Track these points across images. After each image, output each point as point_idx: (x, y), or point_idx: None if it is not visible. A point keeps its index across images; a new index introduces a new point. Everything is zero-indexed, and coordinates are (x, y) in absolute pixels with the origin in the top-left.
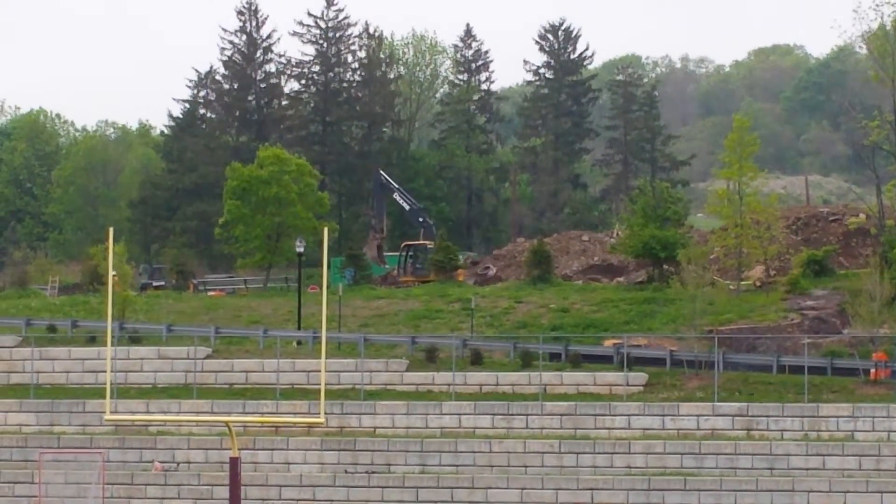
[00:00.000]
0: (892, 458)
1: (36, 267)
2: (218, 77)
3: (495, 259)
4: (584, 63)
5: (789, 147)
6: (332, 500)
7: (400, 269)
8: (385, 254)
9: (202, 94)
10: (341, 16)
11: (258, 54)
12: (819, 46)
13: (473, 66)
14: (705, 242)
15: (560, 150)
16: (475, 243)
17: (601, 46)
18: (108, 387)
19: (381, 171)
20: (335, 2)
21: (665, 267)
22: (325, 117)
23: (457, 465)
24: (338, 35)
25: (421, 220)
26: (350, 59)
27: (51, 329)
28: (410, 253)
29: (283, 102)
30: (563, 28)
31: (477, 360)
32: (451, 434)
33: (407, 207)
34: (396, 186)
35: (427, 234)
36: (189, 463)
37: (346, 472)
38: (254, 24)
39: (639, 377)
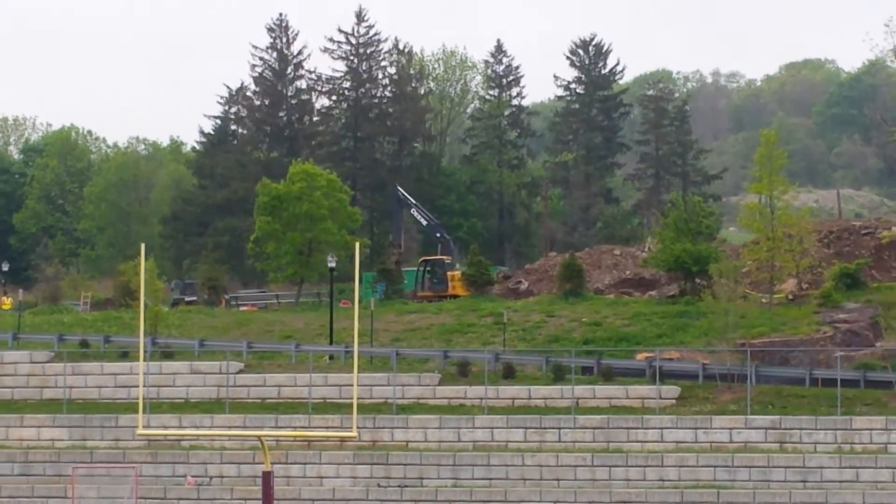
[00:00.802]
0: None
1: (68, 283)
2: (249, 93)
3: (527, 273)
4: (615, 78)
5: (821, 161)
6: None
7: (418, 285)
8: (403, 269)
9: (233, 110)
10: (371, 32)
11: (289, 70)
12: (850, 60)
13: (504, 81)
14: (737, 256)
15: (591, 164)
16: (507, 258)
17: (632, 61)
18: (140, 401)
19: (399, 187)
20: (366, 18)
21: (697, 280)
22: (356, 133)
23: (489, 479)
24: (368, 51)
25: (438, 235)
26: (380, 75)
27: (83, 344)
28: (427, 268)
29: (314, 118)
30: (593, 43)
31: (509, 374)
32: (483, 448)
33: (424, 223)
34: (414, 202)
35: (445, 250)
36: (222, 477)
37: (378, 486)
38: (284, 40)
39: (671, 390)
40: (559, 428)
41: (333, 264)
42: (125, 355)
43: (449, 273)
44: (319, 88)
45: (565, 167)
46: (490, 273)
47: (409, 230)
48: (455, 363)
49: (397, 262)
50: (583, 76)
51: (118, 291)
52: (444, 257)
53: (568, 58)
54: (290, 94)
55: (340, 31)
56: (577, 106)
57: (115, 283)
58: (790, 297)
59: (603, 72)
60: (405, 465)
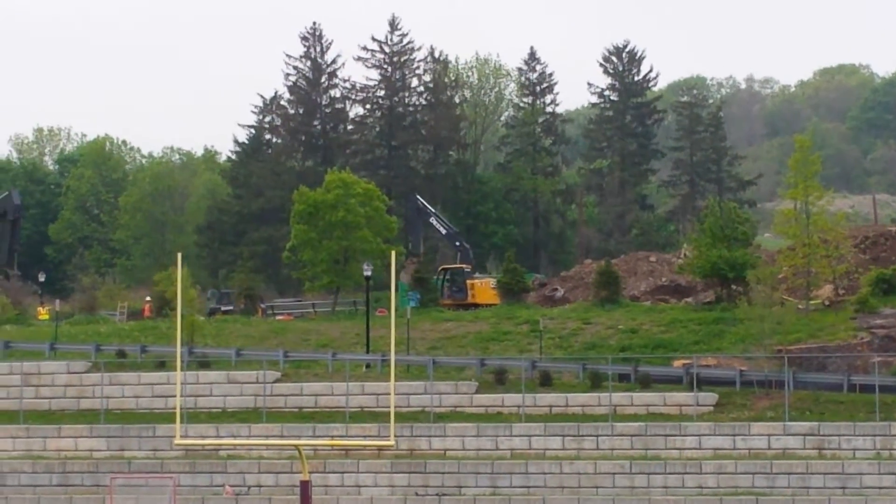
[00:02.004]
0: None
1: (104, 293)
2: (283, 102)
3: (563, 281)
4: (649, 85)
5: (856, 166)
6: None
7: (438, 293)
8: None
9: (268, 119)
10: (405, 40)
11: (323, 79)
12: (885, 65)
13: (538, 88)
14: (773, 262)
15: (626, 171)
16: (542, 265)
17: (665, 68)
18: (177, 411)
19: (418, 196)
20: (399, 27)
21: (733, 287)
22: (391, 141)
23: (528, 487)
24: (402, 59)
25: (458, 244)
26: (415, 83)
27: (120, 354)
28: (447, 276)
29: (349, 127)
30: (627, 50)
31: (546, 382)
32: (521, 456)
33: (444, 231)
34: (433, 211)
35: (464, 258)
36: (259, 486)
37: (416, 494)
38: (318, 49)
39: (709, 397)
40: (597, 435)
41: (369, 273)
42: (162, 365)
43: (468, 281)
44: (353, 97)
45: (600, 174)
46: (525, 280)
47: (429, 238)
48: (492, 371)
49: (417, 271)
50: (616, 83)
51: (154, 302)
52: (464, 266)
53: (601, 65)
54: (324, 102)
55: (374, 39)
56: (611, 113)
57: (153, 293)
58: (827, 302)
59: (636, 78)
60: (443, 473)
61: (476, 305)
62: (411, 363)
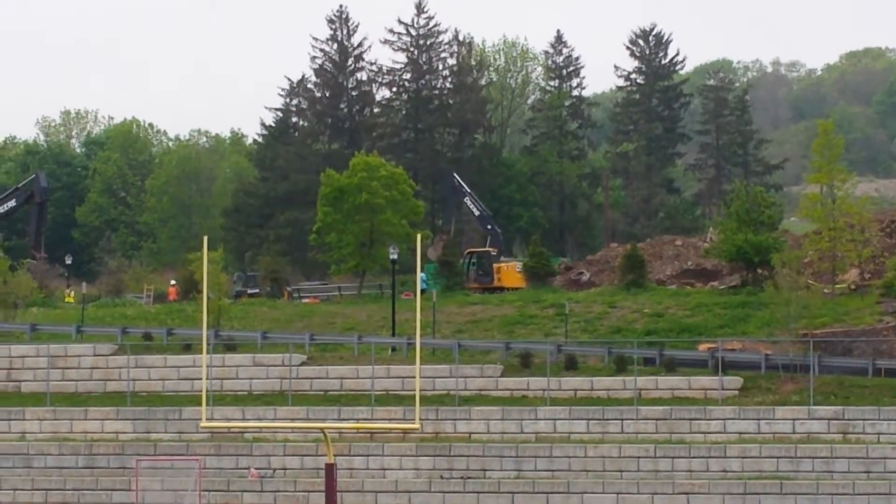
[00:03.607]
0: None
1: (131, 276)
2: (309, 85)
3: (589, 264)
4: (676, 68)
5: (882, 150)
6: None
7: (464, 277)
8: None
9: (294, 102)
10: (431, 23)
11: (349, 62)
12: None
13: (564, 72)
14: (799, 246)
15: (652, 154)
16: (568, 249)
17: (692, 51)
18: (203, 394)
19: (455, 175)
20: (426, 9)
21: (759, 271)
22: (417, 124)
23: (552, 471)
24: (428, 42)
25: (489, 227)
26: (441, 66)
27: (146, 337)
28: (473, 260)
29: (375, 110)
30: (653, 33)
31: (571, 366)
32: (546, 439)
33: (477, 213)
34: (468, 191)
35: (494, 241)
36: (285, 469)
37: (441, 477)
38: (345, 32)
39: (734, 381)
40: (622, 419)
41: (395, 256)
42: (188, 348)
43: (495, 265)
44: (380, 80)
45: (626, 157)
46: (551, 264)
47: (459, 220)
48: (517, 355)
49: (445, 248)
50: (643, 66)
51: (182, 284)
52: (491, 249)
53: (628, 48)
54: (350, 86)
55: (400, 22)
56: (637, 96)
57: (179, 276)
58: (852, 286)
59: (663, 62)
60: (468, 456)
61: (502, 289)
62: (437, 346)
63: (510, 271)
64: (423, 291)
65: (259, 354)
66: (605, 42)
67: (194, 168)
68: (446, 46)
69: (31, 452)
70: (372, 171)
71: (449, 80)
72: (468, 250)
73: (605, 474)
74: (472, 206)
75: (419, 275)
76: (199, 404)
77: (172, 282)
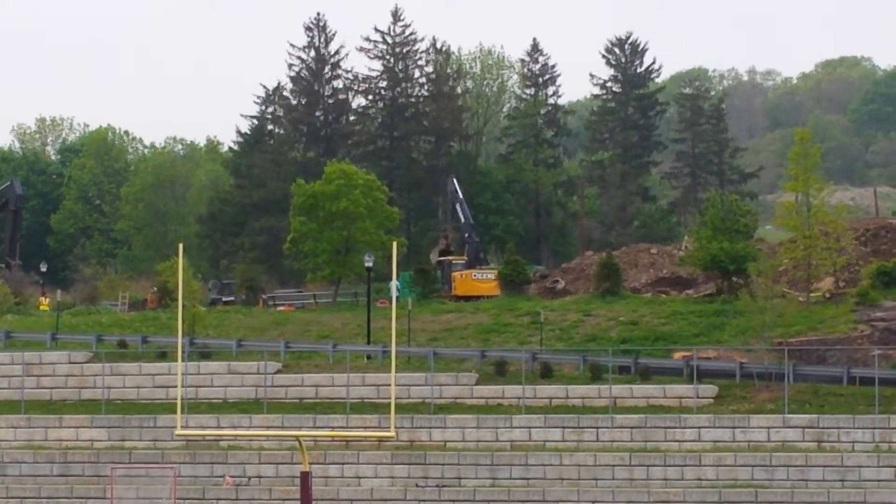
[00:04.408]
0: None
1: (106, 283)
2: (286, 93)
3: (564, 272)
4: (651, 76)
5: (857, 159)
6: None
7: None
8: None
9: (270, 110)
10: (408, 31)
11: (326, 70)
12: (887, 58)
13: (540, 80)
14: (774, 254)
15: (628, 163)
16: (544, 257)
17: (668, 60)
18: (178, 402)
19: (453, 180)
20: (402, 17)
21: (734, 279)
22: (393, 132)
23: (527, 479)
24: (405, 50)
25: (467, 235)
26: (417, 74)
27: (121, 345)
28: (441, 268)
29: (351, 118)
30: (629, 42)
31: (546, 374)
32: (521, 447)
33: (462, 220)
34: (460, 197)
35: (471, 251)
36: (260, 477)
37: (416, 485)
38: (322, 39)
39: (709, 389)
40: (597, 427)
41: (371, 264)
42: (163, 355)
43: (453, 274)
44: (356, 88)
45: (601, 166)
46: (527, 272)
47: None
48: (492, 363)
49: (443, 251)
50: (619, 75)
51: (156, 294)
52: (457, 258)
53: (604, 56)
54: (326, 93)
55: (377, 30)
56: (613, 104)
57: (153, 284)
58: (827, 295)
59: (639, 70)
60: (443, 464)
61: (465, 298)
62: (412, 354)
63: (464, 280)
64: (396, 299)
65: (234, 362)
66: (581, 50)
67: (170, 176)
68: (422, 54)
69: (6, 460)
70: (350, 179)
71: (425, 88)
72: (437, 259)
73: (580, 482)
74: (460, 213)
75: (394, 283)
76: (174, 412)
77: (154, 288)
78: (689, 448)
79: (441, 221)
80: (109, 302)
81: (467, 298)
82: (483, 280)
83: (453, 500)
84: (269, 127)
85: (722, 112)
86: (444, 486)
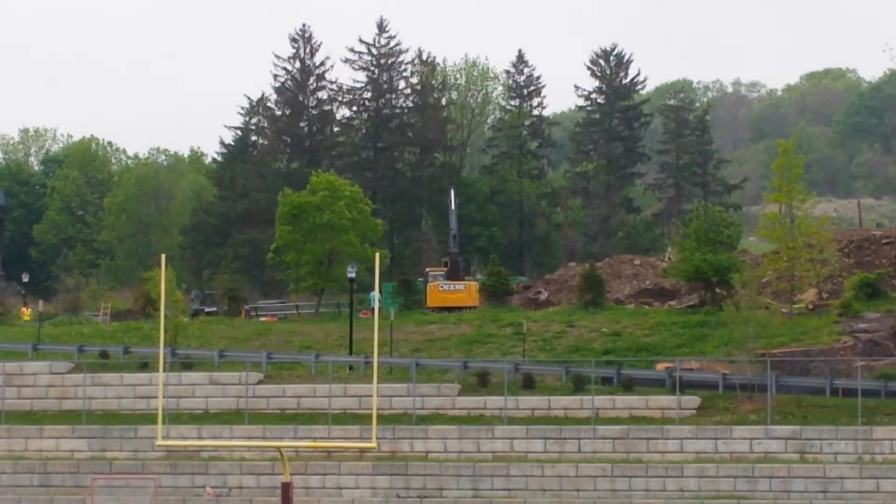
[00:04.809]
0: None
1: (88, 293)
2: (270, 104)
3: (547, 283)
4: (636, 88)
5: (842, 171)
6: None
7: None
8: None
9: (254, 120)
10: (393, 42)
11: (311, 81)
12: (871, 70)
13: (525, 91)
14: (757, 266)
15: (612, 174)
16: (527, 268)
17: (653, 71)
18: (160, 412)
19: (452, 190)
20: (387, 28)
21: (717, 290)
22: (377, 143)
23: (509, 490)
24: (389, 62)
25: (448, 247)
26: (402, 85)
27: (103, 355)
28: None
29: (335, 129)
30: (614, 53)
31: (529, 385)
32: (503, 458)
33: (451, 233)
34: (453, 209)
35: (450, 261)
36: (241, 488)
37: (398, 496)
38: (307, 50)
39: (691, 401)
40: (579, 438)
41: (353, 275)
42: (145, 366)
43: (430, 285)
44: (340, 99)
45: (586, 177)
46: (510, 283)
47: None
48: (474, 373)
49: (448, 263)
50: (604, 86)
51: (138, 302)
52: (436, 269)
53: (589, 68)
54: (311, 104)
55: (362, 41)
56: (597, 116)
57: (136, 294)
58: (810, 306)
59: (624, 82)
60: (424, 475)
61: (440, 309)
62: (394, 365)
63: (432, 292)
64: (378, 310)
65: (216, 373)
66: (566, 62)
67: (153, 186)
68: (407, 66)
69: None
70: (335, 191)
71: (410, 99)
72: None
73: (561, 493)
74: (451, 224)
75: (375, 294)
76: (156, 423)
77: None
78: (671, 459)
79: (425, 233)
80: (91, 312)
81: (442, 310)
82: (451, 291)
83: None
84: (253, 138)
85: (706, 124)
86: (425, 497)
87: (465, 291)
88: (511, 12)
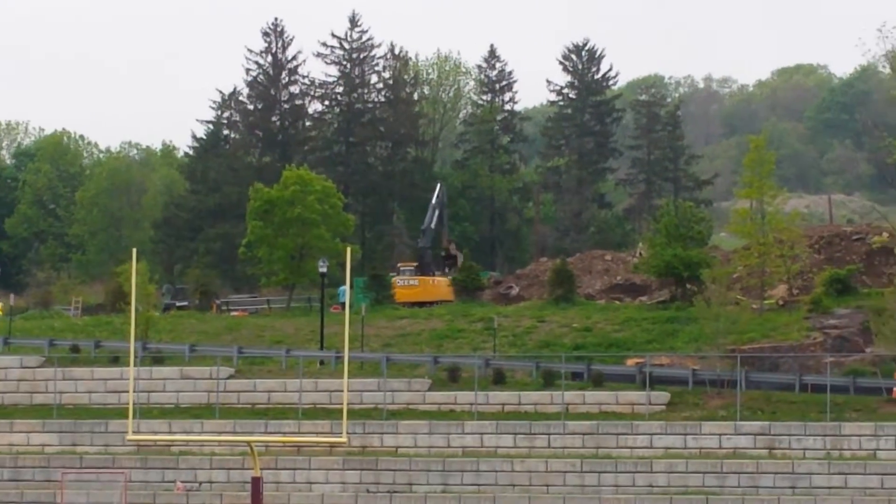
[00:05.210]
0: None
1: (59, 287)
2: (242, 98)
3: (518, 278)
4: (608, 83)
5: (812, 166)
6: None
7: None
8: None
9: (226, 115)
10: (365, 37)
11: (283, 75)
12: (842, 66)
13: (497, 86)
14: (728, 261)
15: (584, 169)
16: (498, 263)
17: (624, 66)
18: (130, 407)
19: (440, 184)
20: (359, 23)
21: (688, 286)
22: (349, 138)
23: (479, 485)
24: (361, 56)
25: (418, 239)
26: (374, 79)
27: (74, 349)
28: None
29: (307, 123)
30: (586, 48)
31: (499, 380)
32: (473, 454)
33: (432, 226)
34: (433, 203)
35: (419, 256)
36: (211, 483)
37: (368, 491)
38: (279, 45)
39: (661, 396)
40: (549, 434)
41: (325, 270)
42: (116, 360)
43: (395, 280)
44: (313, 93)
45: (557, 172)
46: (481, 278)
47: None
48: (445, 368)
49: (446, 255)
50: (575, 81)
51: (110, 296)
52: (406, 264)
53: (561, 63)
54: (283, 98)
55: (334, 35)
56: (569, 111)
57: (107, 288)
58: (781, 302)
59: (596, 77)
60: (395, 470)
61: (403, 304)
62: (365, 360)
63: (394, 286)
64: (343, 304)
65: (187, 367)
66: (537, 57)
67: (125, 180)
68: (380, 60)
69: None
70: (306, 185)
71: (382, 93)
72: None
73: (531, 489)
74: (430, 216)
75: (345, 288)
76: (126, 417)
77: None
78: (640, 455)
79: (396, 227)
80: (63, 306)
81: (412, 304)
82: (405, 287)
83: None
84: (225, 132)
85: (678, 119)
86: (395, 492)
87: (420, 287)
88: (483, 7)
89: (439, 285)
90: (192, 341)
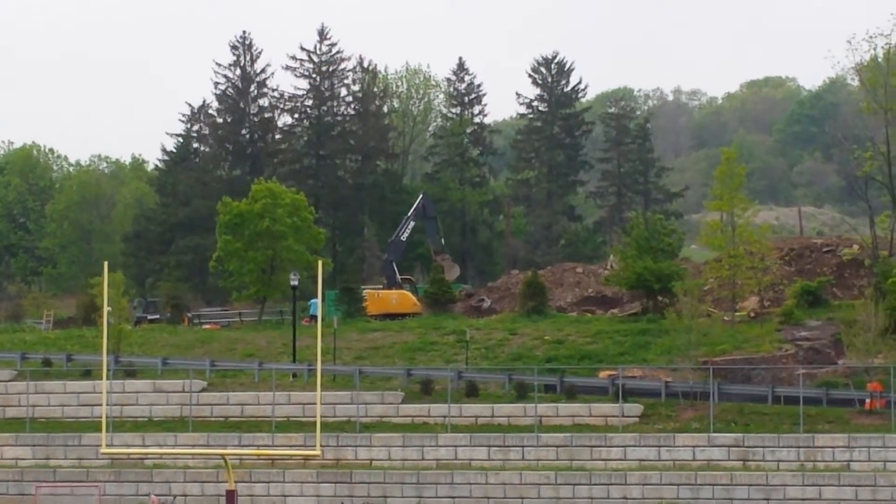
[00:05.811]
0: (887, 489)
1: (30, 301)
2: (211, 111)
3: (489, 291)
4: (578, 96)
5: (782, 179)
6: None
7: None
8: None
9: (195, 128)
10: (334, 50)
11: (252, 88)
12: (811, 78)
13: (466, 99)
14: (699, 274)
15: (554, 182)
16: (469, 276)
17: (594, 79)
18: (103, 420)
19: (422, 195)
20: (328, 36)
21: (659, 298)
22: (319, 151)
23: (453, 497)
24: (331, 69)
25: (386, 252)
26: (344, 92)
27: (46, 363)
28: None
29: (277, 136)
30: (556, 61)
31: (472, 392)
32: (446, 466)
33: (402, 238)
34: (409, 215)
35: (384, 269)
36: (185, 496)
37: None
38: (248, 58)
39: (634, 408)
40: (522, 446)
41: (296, 283)
42: (88, 374)
43: (366, 293)
44: (282, 106)
45: (527, 185)
46: (452, 291)
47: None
48: (418, 381)
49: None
50: (545, 94)
51: (82, 309)
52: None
53: (530, 76)
54: (252, 112)
55: (303, 48)
56: (539, 124)
57: (80, 301)
58: (752, 314)
59: (565, 90)
60: (369, 483)
61: (373, 317)
62: (337, 373)
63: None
64: (313, 317)
65: (159, 380)
66: (507, 70)
67: (95, 194)
68: (349, 73)
69: None
70: (275, 198)
71: (351, 106)
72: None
73: (506, 501)
74: (402, 228)
75: (316, 301)
76: (99, 430)
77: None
78: (614, 467)
79: (367, 240)
80: (34, 320)
81: (384, 317)
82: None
83: None
84: (195, 145)
85: (647, 132)
86: None
87: (370, 300)
88: (452, 20)
89: (395, 298)
90: (164, 354)
